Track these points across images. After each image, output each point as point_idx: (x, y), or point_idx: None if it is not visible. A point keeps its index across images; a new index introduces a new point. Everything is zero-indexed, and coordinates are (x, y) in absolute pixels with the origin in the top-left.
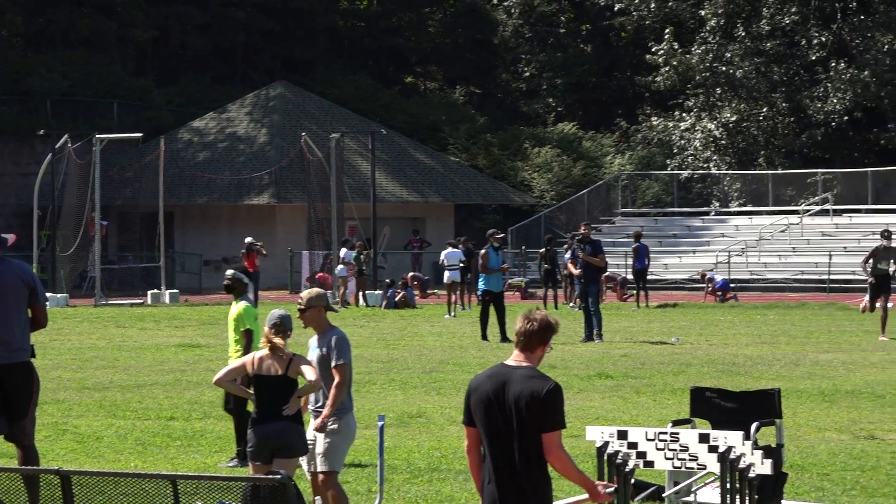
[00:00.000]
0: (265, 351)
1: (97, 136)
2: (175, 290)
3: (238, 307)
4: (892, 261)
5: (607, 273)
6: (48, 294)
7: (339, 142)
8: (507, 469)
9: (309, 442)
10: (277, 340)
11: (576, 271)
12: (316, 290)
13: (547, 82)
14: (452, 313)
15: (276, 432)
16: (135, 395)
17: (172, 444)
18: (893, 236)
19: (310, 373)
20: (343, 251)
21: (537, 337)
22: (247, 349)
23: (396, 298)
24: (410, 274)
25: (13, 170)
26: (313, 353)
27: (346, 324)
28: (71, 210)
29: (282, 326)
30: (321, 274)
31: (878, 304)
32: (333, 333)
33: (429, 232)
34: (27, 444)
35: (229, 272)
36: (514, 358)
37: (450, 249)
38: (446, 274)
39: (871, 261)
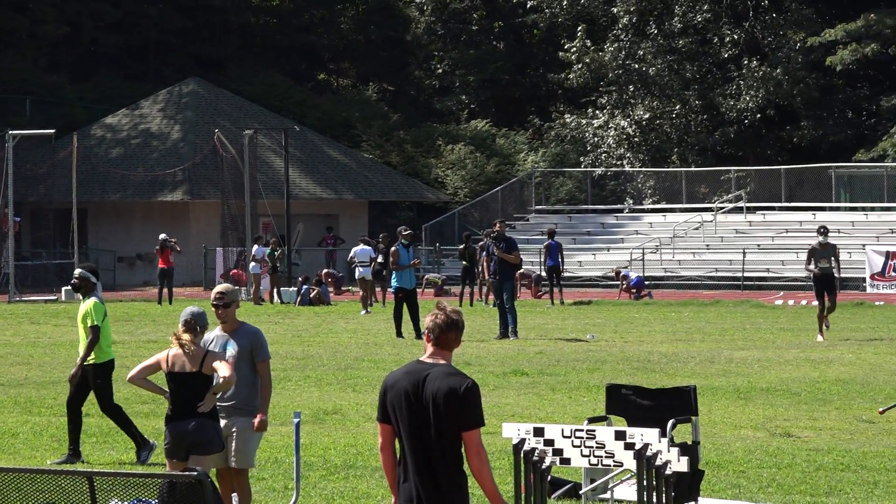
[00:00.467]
0: (177, 349)
1: (10, 132)
2: None
3: (86, 305)
4: (832, 258)
5: (522, 270)
6: None
7: (253, 138)
8: (425, 466)
9: None
10: (185, 337)
11: (487, 274)
12: (228, 285)
13: (460, 79)
14: (366, 310)
15: (191, 429)
16: (50, 392)
17: (88, 441)
18: (829, 233)
19: (223, 369)
20: (255, 248)
21: (450, 330)
22: (91, 346)
23: (311, 295)
24: (325, 271)
25: None
26: (231, 349)
27: (260, 320)
28: None
29: (192, 324)
30: (235, 271)
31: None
32: (249, 329)
33: (343, 229)
34: None
35: (77, 271)
36: (429, 355)
37: (361, 246)
38: (357, 270)
39: (812, 261)
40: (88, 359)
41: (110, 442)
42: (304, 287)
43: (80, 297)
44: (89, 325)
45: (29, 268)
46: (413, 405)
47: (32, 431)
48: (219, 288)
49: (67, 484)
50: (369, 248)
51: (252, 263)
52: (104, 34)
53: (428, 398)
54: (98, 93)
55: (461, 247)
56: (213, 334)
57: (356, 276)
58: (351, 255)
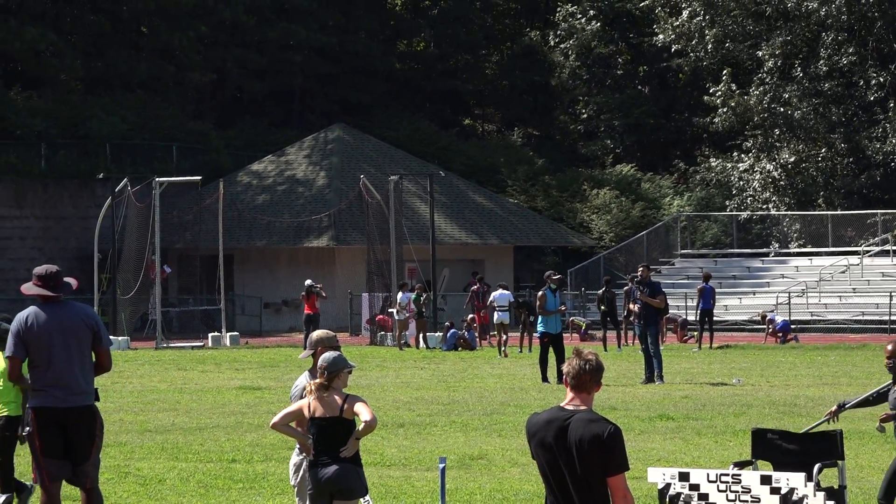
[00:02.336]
0: (319, 393)
1: (156, 179)
2: (235, 333)
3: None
4: None
5: (668, 314)
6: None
7: (398, 184)
8: None
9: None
10: (317, 382)
11: (634, 307)
12: (324, 331)
13: (605, 124)
14: (503, 354)
15: (334, 475)
16: (196, 438)
17: (234, 487)
18: None
19: (365, 413)
20: (400, 295)
21: (591, 377)
22: None
23: (458, 337)
24: (471, 315)
25: (73, 213)
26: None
27: (406, 366)
28: (131, 253)
29: (331, 368)
30: (381, 316)
31: None
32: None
33: (488, 274)
34: (89, 488)
35: None
36: (570, 401)
37: (500, 291)
38: (496, 315)
39: None
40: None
41: (256, 488)
42: (451, 332)
43: None
44: None
45: (175, 314)
46: (556, 453)
47: (179, 477)
48: (319, 334)
49: None
50: (508, 292)
51: (396, 308)
52: (249, 81)
53: (571, 445)
54: (243, 139)
55: (600, 291)
56: (303, 379)
57: (494, 320)
58: (491, 299)
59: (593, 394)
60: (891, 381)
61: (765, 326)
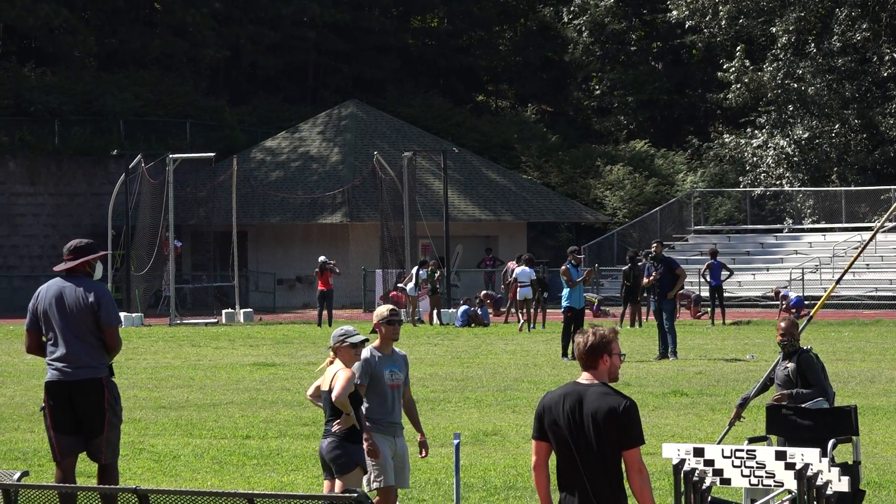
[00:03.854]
0: (327, 366)
1: (170, 155)
2: (249, 310)
3: None
4: None
5: (682, 290)
6: (123, 314)
7: (412, 160)
8: (586, 488)
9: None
10: (329, 356)
11: (646, 280)
12: (387, 306)
13: (618, 100)
14: (531, 327)
15: (324, 449)
16: (210, 414)
17: (248, 463)
18: None
19: (336, 388)
20: (421, 271)
21: (591, 353)
22: None
23: (471, 311)
24: (483, 292)
25: (87, 190)
26: (398, 372)
27: (420, 342)
28: (145, 230)
29: (332, 341)
30: (394, 292)
31: None
32: (402, 354)
33: (501, 250)
34: (104, 463)
35: None
36: (585, 377)
37: (522, 267)
38: (519, 291)
39: None
40: None
41: (271, 464)
42: (465, 308)
43: None
44: None
45: (190, 290)
46: (572, 426)
47: (193, 454)
48: (389, 305)
49: None
50: (531, 269)
51: (410, 285)
52: (263, 57)
53: (587, 419)
54: (257, 116)
55: (626, 267)
56: (375, 354)
57: (518, 297)
58: (514, 275)
59: (602, 367)
60: (779, 357)
61: (779, 302)
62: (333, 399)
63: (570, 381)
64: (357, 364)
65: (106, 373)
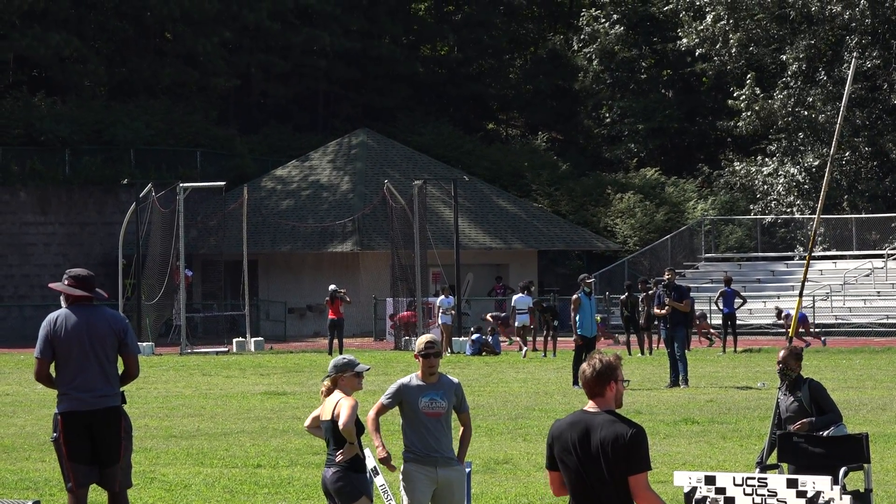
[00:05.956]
0: (325, 396)
1: (181, 184)
2: (260, 338)
3: None
4: None
5: (697, 314)
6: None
7: (422, 189)
8: None
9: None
10: (323, 386)
11: (661, 311)
12: (432, 335)
13: (628, 128)
14: (523, 354)
15: (328, 479)
16: (222, 443)
17: (260, 492)
18: None
19: (342, 416)
20: (441, 298)
21: (597, 381)
22: None
23: (482, 340)
24: (490, 314)
25: (98, 219)
26: (440, 401)
27: None
28: (155, 259)
29: (331, 371)
30: (408, 312)
31: None
32: (450, 381)
33: (512, 278)
34: (117, 492)
35: None
36: (591, 405)
37: (520, 295)
38: (517, 318)
39: None
40: None
41: (282, 493)
42: (477, 336)
43: None
44: None
45: (200, 320)
46: (581, 456)
47: (204, 483)
48: (427, 337)
49: None
50: (529, 297)
51: (441, 315)
52: (273, 86)
53: (596, 447)
54: (267, 144)
55: (623, 296)
56: (414, 383)
57: (516, 324)
58: (512, 303)
59: (609, 395)
60: (779, 394)
61: (781, 321)
62: (341, 427)
63: (577, 411)
64: (390, 389)
65: (120, 401)
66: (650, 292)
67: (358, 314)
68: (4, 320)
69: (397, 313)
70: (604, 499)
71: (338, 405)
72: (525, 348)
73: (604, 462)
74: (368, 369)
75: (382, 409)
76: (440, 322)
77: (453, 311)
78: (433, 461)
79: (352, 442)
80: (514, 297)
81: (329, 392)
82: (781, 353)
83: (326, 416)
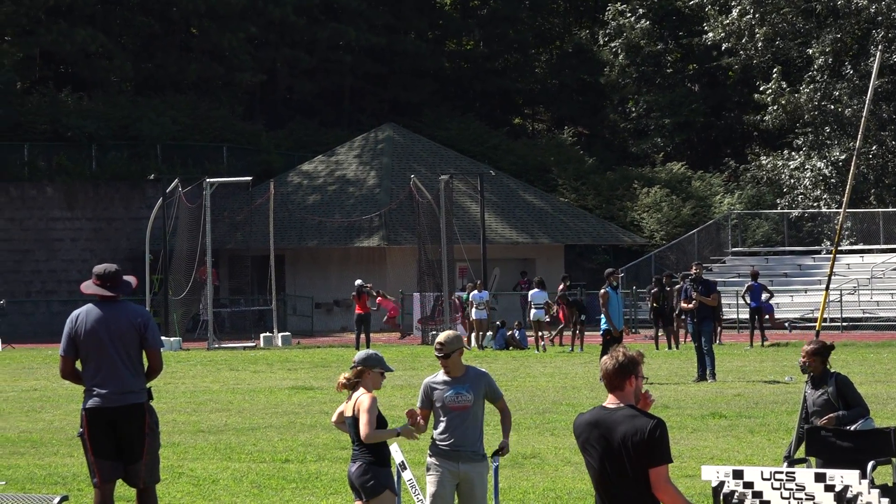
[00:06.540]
0: (348, 391)
1: (207, 180)
2: (287, 333)
3: None
4: None
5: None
6: (162, 338)
7: (449, 184)
8: None
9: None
10: (339, 380)
11: (688, 305)
12: (451, 332)
13: (655, 122)
14: (541, 349)
15: (353, 473)
16: (249, 438)
17: (288, 487)
18: None
19: (361, 427)
20: (474, 293)
21: (618, 375)
22: None
23: (508, 335)
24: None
25: (124, 214)
26: (466, 395)
27: None
28: (182, 254)
29: (360, 363)
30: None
31: None
32: (477, 372)
33: (539, 273)
34: (143, 488)
35: None
36: (611, 400)
37: (536, 290)
38: (532, 312)
39: None
40: None
41: (310, 488)
42: (502, 330)
43: None
44: None
45: (227, 315)
46: (602, 453)
47: (232, 478)
48: (440, 338)
49: None
50: (544, 292)
51: (474, 310)
52: (299, 81)
53: (618, 443)
54: (294, 140)
55: (654, 289)
56: (440, 379)
57: (531, 318)
58: (529, 298)
59: (628, 389)
60: (806, 387)
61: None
62: (363, 439)
63: (596, 407)
64: (420, 392)
65: (146, 397)
66: (676, 286)
67: (385, 309)
68: (32, 315)
69: (433, 311)
70: (625, 492)
71: (358, 405)
72: (543, 343)
73: (626, 456)
74: (393, 371)
75: (424, 415)
76: (474, 317)
77: (488, 306)
78: (456, 456)
79: (380, 440)
80: (530, 292)
81: (349, 382)
82: (808, 347)
83: (349, 413)
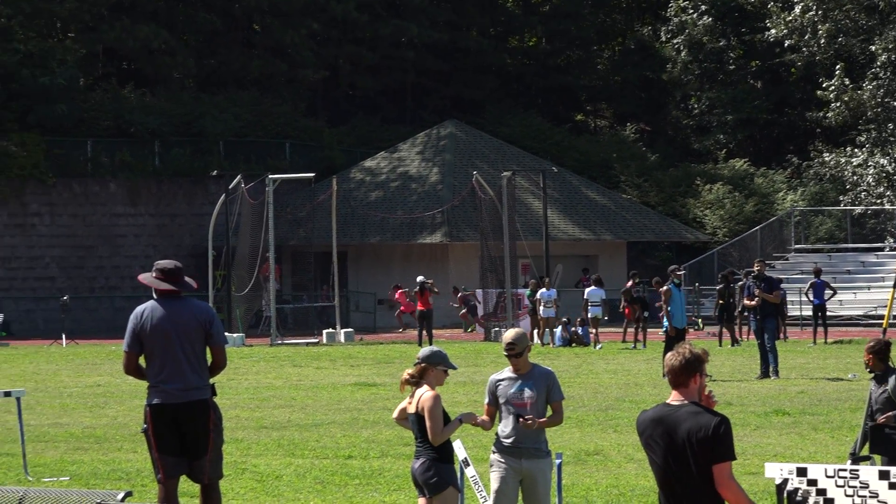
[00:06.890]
0: (411, 387)
1: (270, 176)
2: (350, 329)
3: None
4: None
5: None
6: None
7: (511, 180)
8: None
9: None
10: (402, 376)
11: (751, 302)
12: (519, 331)
13: (717, 119)
14: (599, 346)
15: (416, 469)
16: (312, 434)
17: (351, 483)
18: None
19: (430, 434)
20: (542, 291)
21: (683, 371)
22: None
23: (572, 331)
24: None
25: (187, 210)
26: (528, 392)
27: None
28: (245, 250)
29: (425, 360)
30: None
31: None
32: (542, 371)
33: (601, 269)
34: (207, 483)
35: None
36: (674, 397)
37: (593, 287)
38: (590, 310)
39: None
40: None
41: (373, 484)
42: (568, 328)
43: None
44: None
45: (290, 311)
46: (666, 450)
47: (296, 474)
48: (508, 337)
49: None
50: (601, 289)
51: (542, 308)
52: (362, 78)
53: (682, 440)
54: (356, 136)
55: (720, 286)
56: (505, 375)
57: (589, 316)
58: (585, 295)
59: (692, 386)
60: (872, 385)
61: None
62: (431, 441)
63: (659, 404)
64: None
65: (210, 394)
66: (739, 283)
67: (447, 305)
68: (95, 311)
69: (496, 309)
70: (689, 489)
71: (421, 400)
72: (600, 344)
73: (690, 454)
74: (456, 369)
75: (490, 412)
76: (542, 315)
77: (556, 304)
78: (519, 452)
79: (450, 437)
80: (587, 290)
81: (412, 379)
82: (870, 344)
83: (412, 409)
